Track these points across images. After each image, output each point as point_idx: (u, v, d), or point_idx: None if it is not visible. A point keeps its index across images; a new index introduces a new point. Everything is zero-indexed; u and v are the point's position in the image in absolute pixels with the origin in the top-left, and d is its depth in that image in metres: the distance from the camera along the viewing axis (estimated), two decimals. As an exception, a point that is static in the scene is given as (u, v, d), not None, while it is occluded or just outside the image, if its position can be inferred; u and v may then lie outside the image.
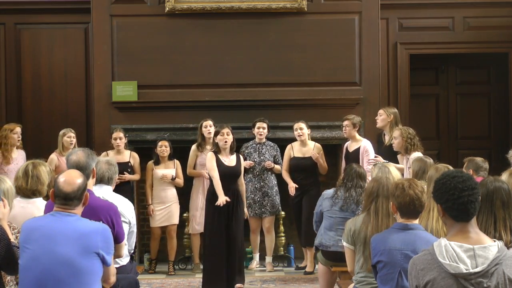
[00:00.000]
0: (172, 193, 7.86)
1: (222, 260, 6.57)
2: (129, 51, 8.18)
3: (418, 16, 9.02)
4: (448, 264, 2.63)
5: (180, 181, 7.88)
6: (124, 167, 7.53)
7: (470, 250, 2.64)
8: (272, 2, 8.17)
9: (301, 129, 7.65)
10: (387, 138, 7.21)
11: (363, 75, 8.26)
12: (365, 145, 7.36)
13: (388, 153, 6.98)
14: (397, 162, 6.75)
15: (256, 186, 7.74)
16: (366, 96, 8.23)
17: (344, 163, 7.38)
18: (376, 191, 4.35)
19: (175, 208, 7.87)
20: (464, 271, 2.61)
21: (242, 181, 6.91)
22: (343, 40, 8.25)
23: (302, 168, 7.67)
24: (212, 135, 7.39)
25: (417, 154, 6.76)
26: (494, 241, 2.70)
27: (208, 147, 7.62)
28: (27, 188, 4.47)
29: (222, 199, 6.52)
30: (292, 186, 7.64)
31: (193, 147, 7.79)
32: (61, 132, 7.76)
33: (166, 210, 7.84)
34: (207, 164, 6.84)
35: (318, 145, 7.77)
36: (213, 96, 8.18)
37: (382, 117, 7.25)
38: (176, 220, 7.86)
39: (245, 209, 6.99)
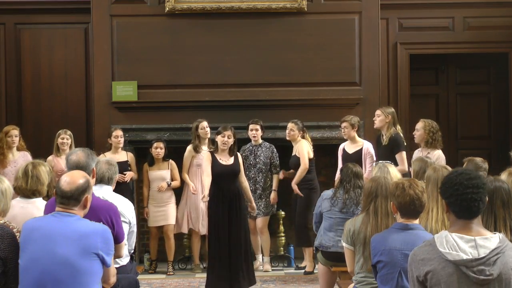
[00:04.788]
0: (168, 194, 7.86)
1: (226, 260, 6.49)
2: (129, 51, 8.18)
3: (418, 16, 9.01)
4: (448, 252, 2.61)
5: (177, 182, 7.87)
6: (123, 166, 7.52)
7: (471, 241, 2.63)
8: (272, 2, 8.17)
9: (292, 130, 7.63)
10: (384, 138, 7.16)
11: (363, 75, 8.26)
12: (368, 147, 7.31)
13: (386, 154, 6.95)
14: (395, 163, 6.71)
15: (251, 188, 7.71)
16: (366, 96, 8.22)
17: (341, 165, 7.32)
18: (375, 191, 4.34)
19: (172, 209, 7.85)
20: (465, 257, 2.59)
21: (243, 178, 6.79)
22: (343, 40, 8.25)
23: (293, 166, 7.70)
24: (209, 135, 7.58)
25: (438, 152, 6.81)
26: (495, 233, 2.69)
27: (204, 147, 7.64)
28: (27, 188, 4.47)
29: (205, 194, 6.47)
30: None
31: (189, 148, 7.74)
32: (57, 134, 7.72)
33: (162, 210, 7.83)
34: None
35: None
36: (213, 96, 8.18)
37: (380, 117, 7.18)
38: (172, 221, 7.83)
39: (253, 204, 6.92)
